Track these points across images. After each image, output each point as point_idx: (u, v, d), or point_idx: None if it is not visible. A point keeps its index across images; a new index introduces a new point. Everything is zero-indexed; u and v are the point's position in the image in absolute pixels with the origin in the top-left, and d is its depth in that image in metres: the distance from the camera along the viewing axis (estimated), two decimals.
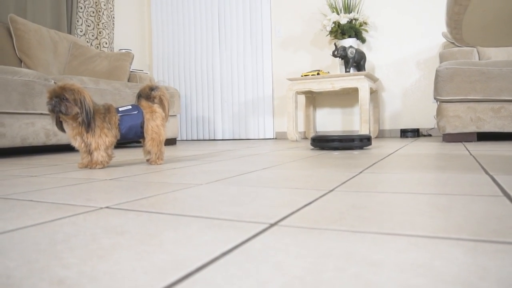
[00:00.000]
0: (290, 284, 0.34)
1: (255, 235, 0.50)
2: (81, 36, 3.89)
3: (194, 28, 4.49)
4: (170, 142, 3.48)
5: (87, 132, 1.39)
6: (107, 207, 0.70)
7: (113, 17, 4.15)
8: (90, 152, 1.45)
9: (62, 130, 1.44)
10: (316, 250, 0.43)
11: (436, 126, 3.44)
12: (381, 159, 1.47)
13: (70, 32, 3.79)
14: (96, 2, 3.99)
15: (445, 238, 0.46)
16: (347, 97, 3.93)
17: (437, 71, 2.61)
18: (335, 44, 3.44)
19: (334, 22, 3.55)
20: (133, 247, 0.46)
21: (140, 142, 1.63)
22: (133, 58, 3.50)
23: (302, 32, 4.06)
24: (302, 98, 4.04)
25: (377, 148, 2.10)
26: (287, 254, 0.42)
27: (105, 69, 3.35)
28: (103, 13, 4.00)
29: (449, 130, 2.60)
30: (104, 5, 4.02)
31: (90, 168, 1.43)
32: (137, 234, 0.52)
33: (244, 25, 4.25)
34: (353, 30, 3.52)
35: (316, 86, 3.38)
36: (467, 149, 1.86)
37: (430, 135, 3.59)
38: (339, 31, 3.53)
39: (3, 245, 0.48)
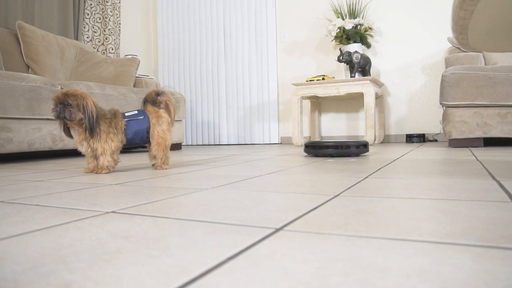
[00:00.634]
0: None
1: (261, 240, 0.50)
2: (88, 42, 3.93)
3: (199, 33, 4.52)
4: (176, 147, 3.49)
5: (91, 137, 1.40)
6: (113, 212, 0.70)
7: (119, 24, 4.19)
8: (96, 157, 1.46)
9: (70, 136, 1.46)
10: (322, 255, 0.43)
11: (442, 131, 3.42)
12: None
13: (77, 38, 3.82)
14: (102, 9, 4.03)
15: (452, 243, 0.46)
16: (352, 102, 3.92)
17: (443, 76, 2.60)
18: (340, 49, 3.45)
19: (339, 28, 3.55)
20: (139, 251, 0.46)
21: (145, 147, 1.63)
22: (139, 64, 3.52)
23: (307, 37, 4.07)
24: (307, 103, 4.04)
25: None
26: (293, 259, 0.42)
27: (111, 74, 3.37)
28: (109, 20, 4.04)
29: (455, 135, 2.58)
30: (111, 11, 4.05)
31: (96, 173, 1.44)
32: (142, 238, 0.52)
33: (249, 30, 4.26)
34: (358, 35, 3.52)
35: (321, 91, 3.38)
36: (473, 155, 1.84)
37: (436, 140, 3.57)
38: (344, 36, 3.54)
39: (10, 249, 0.48)
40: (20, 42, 3.04)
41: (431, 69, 3.61)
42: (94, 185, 1.11)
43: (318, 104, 4.00)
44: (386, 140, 3.77)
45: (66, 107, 1.35)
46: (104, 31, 4.04)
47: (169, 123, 1.58)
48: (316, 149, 1.96)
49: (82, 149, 1.44)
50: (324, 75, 3.46)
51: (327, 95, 3.39)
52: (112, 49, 4.06)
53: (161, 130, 1.54)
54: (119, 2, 4.18)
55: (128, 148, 1.58)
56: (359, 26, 3.57)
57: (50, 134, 2.37)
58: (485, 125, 2.53)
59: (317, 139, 3.91)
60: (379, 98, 3.66)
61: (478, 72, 2.52)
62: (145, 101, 1.61)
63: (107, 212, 0.70)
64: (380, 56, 3.79)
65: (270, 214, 0.64)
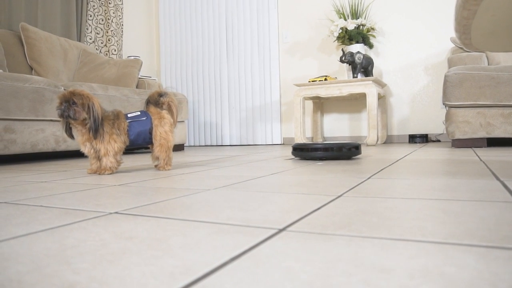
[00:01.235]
0: None
1: (264, 241, 0.50)
2: (91, 43, 3.94)
3: (201, 34, 4.53)
4: (178, 148, 3.49)
5: (95, 138, 1.40)
6: (116, 213, 0.71)
7: (122, 25, 4.20)
8: (99, 158, 1.46)
9: (71, 136, 1.46)
10: (325, 256, 0.43)
11: (445, 132, 3.41)
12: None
13: (79, 39, 3.84)
14: (105, 10, 4.05)
15: (456, 244, 0.46)
16: (355, 102, 3.92)
17: (445, 76, 2.59)
18: (342, 49, 3.45)
19: (342, 28, 3.55)
20: (142, 252, 0.46)
21: (148, 148, 1.64)
22: (141, 65, 3.53)
23: (309, 38, 4.07)
24: (309, 104, 4.04)
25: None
26: (296, 260, 0.42)
27: (114, 75, 3.38)
28: (112, 21, 4.05)
29: (458, 135, 2.58)
30: (113, 13, 4.07)
31: (99, 174, 1.44)
32: (146, 239, 0.52)
33: (251, 31, 4.27)
34: (360, 35, 3.52)
35: (324, 91, 3.38)
36: (477, 155, 1.84)
37: (439, 141, 3.56)
38: (347, 36, 3.54)
39: (14, 250, 0.49)
40: (24, 43, 3.05)
41: (434, 69, 3.60)
42: (97, 186, 1.11)
43: (321, 104, 3.99)
44: (389, 140, 3.77)
45: (71, 106, 1.36)
46: (107, 32, 4.05)
47: (171, 124, 1.58)
48: (304, 151, 1.82)
49: (85, 150, 1.45)
50: (326, 76, 3.46)
51: (329, 96, 3.38)
52: (115, 51, 4.08)
53: (164, 131, 1.55)
54: (122, 4, 4.19)
55: (131, 149, 1.58)
56: (361, 27, 3.56)
57: (53, 135, 2.37)
58: (488, 125, 2.52)
59: (319, 139, 3.91)
60: (381, 98, 3.65)
61: (481, 72, 2.51)
62: (148, 102, 1.61)
63: (111, 213, 0.70)
64: (383, 57, 3.78)
65: (273, 215, 0.65)
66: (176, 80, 4.69)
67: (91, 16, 3.94)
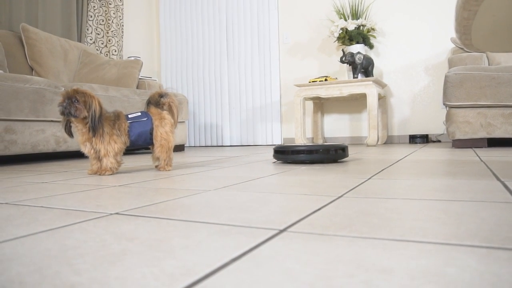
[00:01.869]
0: None
1: (265, 241, 0.50)
2: (91, 44, 3.94)
3: (202, 34, 4.53)
4: (179, 148, 3.49)
5: (93, 136, 1.40)
6: (116, 213, 0.71)
7: (122, 25, 4.20)
8: (99, 159, 1.46)
9: (70, 134, 1.46)
10: (326, 257, 0.43)
11: (445, 132, 3.41)
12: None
13: (80, 40, 3.84)
14: (105, 11, 4.05)
15: (457, 245, 0.46)
16: (355, 103, 3.92)
17: (446, 76, 2.59)
18: (342, 50, 3.45)
19: (342, 29, 3.55)
20: (143, 253, 0.46)
21: (149, 148, 1.64)
22: (141, 66, 3.53)
23: (310, 39, 4.07)
24: (310, 104, 4.04)
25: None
26: (297, 261, 0.42)
27: (114, 76, 3.38)
28: (112, 22, 4.05)
29: (459, 136, 2.58)
30: (114, 13, 4.07)
31: (100, 175, 1.44)
32: (147, 240, 0.52)
33: (251, 31, 4.27)
34: (360, 36, 3.52)
35: (324, 92, 3.38)
36: (477, 155, 1.84)
37: (439, 141, 3.56)
38: (347, 37, 3.54)
39: (15, 251, 0.49)
40: (24, 44, 3.05)
41: (434, 70, 3.60)
42: (98, 186, 1.11)
43: (321, 105, 3.99)
44: (389, 141, 3.76)
45: (72, 103, 1.36)
46: (107, 33, 4.05)
47: (172, 125, 1.59)
48: (285, 154, 1.68)
49: (85, 150, 1.45)
50: (326, 76, 3.46)
51: (329, 96, 3.38)
52: (115, 51, 4.08)
53: (164, 132, 1.55)
54: (122, 4, 4.19)
55: (131, 149, 1.58)
56: (361, 27, 3.56)
57: (53, 135, 2.37)
58: (489, 125, 2.52)
59: (319, 140, 3.91)
60: (382, 99, 3.65)
61: (481, 73, 2.51)
62: (149, 102, 1.61)
63: (111, 214, 0.70)
64: (383, 57, 3.78)
65: (273, 216, 0.65)
66: (177, 81, 4.69)
67: (91, 16, 3.95)
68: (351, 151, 2.54)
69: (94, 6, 3.97)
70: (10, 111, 2.11)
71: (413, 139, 3.52)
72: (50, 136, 2.36)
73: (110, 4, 4.05)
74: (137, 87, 3.53)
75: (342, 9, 3.75)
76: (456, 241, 0.47)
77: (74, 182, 1.23)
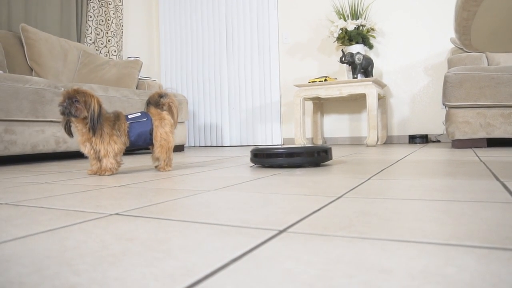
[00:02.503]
0: None
1: (264, 242, 0.50)
2: (91, 44, 3.94)
3: (201, 35, 4.53)
4: (178, 148, 3.49)
5: (93, 135, 1.40)
6: (116, 214, 0.71)
7: (122, 26, 4.20)
8: (99, 159, 1.46)
9: (70, 133, 1.46)
10: (326, 257, 0.43)
11: (445, 132, 3.41)
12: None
13: (79, 40, 3.84)
14: (105, 11, 4.05)
15: (457, 245, 0.46)
16: (355, 103, 3.92)
17: (445, 76, 2.59)
18: (342, 50, 3.45)
19: (342, 29, 3.55)
20: (143, 253, 0.46)
21: (148, 149, 1.64)
22: (141, 66, 3.53)
23: (309, 39, 4.07)
24: (309, 104, 4.04)
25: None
26: (297, 261, 0.42)
27: (114, 76, 3.38)
28: (112, 22, 4.05)
29: (458, 136, 2.58)
30: (113, 14, 4.07)
31: (99, 175, 1.44)
32: (146, 240, 0.52)
33: (251, 31, 4.27)
34: (360, 36, 3.52)
35: (324, 92, 3.38)
36: (477, 155, 1.84)
37: (439, 141, 3.56)
38: (347, 37, 3.54)
39: (15, 251, 0.49)
40: (24, 44, 3.05)
41: (434, 70, 3.60)
42: (98, 187, 1.11)
43: (321, 105, 4.00)
44: (389, 141, 3.77)
45: (73, 103, 1.36)
46: (107, 33, 4.05)
47: (172, 125, 1.59)
48: (262, 158, 1.54)
49: (85, 150, 1.45)
50: (326, 76, 3.46)
51: (329, 96, 3.39)
52: (115, 51, 4.08)
53: (164, 132, 1.55)
54: (122, 5, 4.19)
55: (131, 150, 1.58)
56: (361, 27, 3.56)
57: (53, 136, 2.37)
58: (488, 125, 2.52)
59: (319, 140, 3.91)
60: (381, 99, 3.66)
61: (481, 73, 2.51)
62: (148, 103, 1.61)
63: (111, 214, 0.70)
64: (383, 57, 3.78)
65: (273, 216, 0.65)
66: (176, 81, 4.69)
67: (91, 17, 3.95)
68: (349, 151, 2.54)
69: (94, 7, 3.96)
70: (10, 112, 2.11)
71: (413, 139, 3.52)
72: (50, 137, 2.35)
73: (109, 4, 4.05)
74: (137, 88, 3.53)
75: (342, 9, 3.75)
76: (456, 241, 0.47)
77: (74, 183, 1.23)
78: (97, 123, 1.38)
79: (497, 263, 0.39)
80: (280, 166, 1.53)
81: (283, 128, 4.21)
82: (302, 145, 1.52)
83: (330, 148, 1.58)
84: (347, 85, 3.29)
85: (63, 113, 1.37)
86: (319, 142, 3.91)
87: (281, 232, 0.54)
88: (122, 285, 0.36)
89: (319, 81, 3.42)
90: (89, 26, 3.94)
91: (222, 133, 4.45)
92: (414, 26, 3.65)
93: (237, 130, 4.37)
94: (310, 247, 0.47)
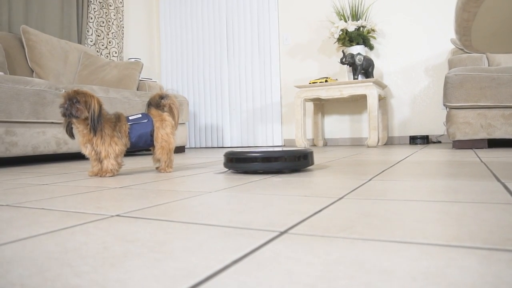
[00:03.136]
0: None
1: (266, 243, 0.50)
2: (91, 45, 3.95)
3: (202, 36, 4.53)
4: (179, 150, 3.49)
5: (94, 135, 1.41)
6: (117, 215, 0.71)
7: (123, 27, 4.21)
8: (100, 160, 1.46)
9: (71, 135, 1.46)
10: (327, 258, 0.43)
11: (445, 133, 3.41)
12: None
13: (80, 42, 3.84)
14: (106, 13, 4.05)
15: (458, 246, 0.46)
16: (356, 104, 3.92)
17: (446, 77, 2.59)
18: (343, 51, 3.45)
19: (342, 30, 3.55)
20: (144, 255, 0.46)
21: (149, 150, 1.64)
22: (142, 67, 3.53)
23: (310, 40, 4.07)
24: (310, 105, 4.04)
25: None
26: (298, 262, 0.42)
27: (114, 78, 3.39)
28: (112, 23, 4.06)
29: (459, 136, 2.58)
30: (114, 15, 4.07)
31: (100, 176, 1.45)
32: (147, 242, 0.52)
33: (252, 33, 4.27)
34: (361, 37, 3.52)
35: (325, 93, 3.38)
36: (477, 156, 1.84)
37: (439, 142, 3.56)
38: (347, 38, 3.54)
39: (16, 253, 0.49)
40: (25, 46, 3.06)
41: (435, 71, 3.60)
42: (99, 188, 1.11)
43: (321, 106, 4.00)
44: (390, 142, 3.76)
45: (73, 104, 1.36)
46: (108, 34, 4.06)
47: (173, 126, 1.59)
48: (235, 163, 1.39)
49: (86, 151, 1.45)
50: (327, 77, 3.46)
51: (330, 97, 3.39)
52: (116, 53, 4.08)
53: (165, 134, 1.55)
54: (122, 6, 4.20)
55: (132, 151, 1.58)
56: (361, 28, 3.57)
57: (54, 137, 2.38)
58: (489, 126, 2.52)
59: (320, 141, 3.91)
60: (382, 100, 3.65)
61: (481, 73, 2.51)
62: (149, 104, 1.61)
63: (112, 216, 0.70)
64: (383, 58, 3.78)
65: (274, 217, 0.65)
66: (177, 82, 4.69)
67: (92, 18, 3.95)
68: (350, 152, 2.54)
69: (95, 8, 3.97)
70: (11, 113, 2.11)
71: (414, 140, 3.52)
72: (51, 138, 2.36)
73: (110, 6, 4.06)
74: (138, 89, 3.53)
75: (342, 10, 3.75)
76: (457, 242, 0.47)
77: (75, 184, 1.23)
78: (97, 122, 1.39)
79: (499, 265, 0.39)
80: (255, 172, 1.39)
81: (284, 129, 4.21)
82: (280, 150, 1.38)
83: (310, 152, 1.43)
84: (348, 86, 3.29)
85: (64, 115, 1.37)
86: (320, 143, 3.91)
87: (282, 233, 0.54)
88: (123, 286, 0.36)
89: (320, 82, 3.42)
90: (90, 27, 3.94)
91: (223, 134, 4.45)
92: (414, 27, 3.65)
93: (238, 131, 4.37)
94: (311, 249, 0.47)
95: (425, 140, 3.49)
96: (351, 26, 3.51)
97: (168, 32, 4.73)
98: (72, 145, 2.48)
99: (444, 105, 2.66)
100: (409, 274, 0.37)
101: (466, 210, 0.65)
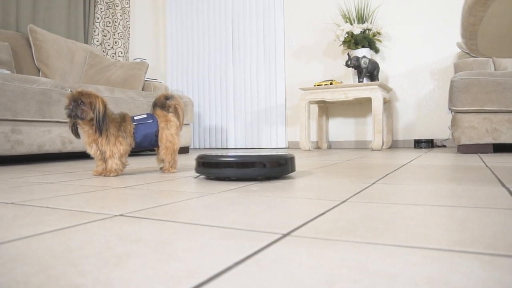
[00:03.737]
0: None
1: (268, 245, 0.50)
2: (97, 45, 3.97)
3: (207, 37, 4.55)
4: (183, 150, 3.50)
5: (99, 135, 1.41)
6: (121, 215, 0.71)
7: (129, 28, 4.23)
8: (105, 160, 1.47)
9: (77, 135, 1.47)
10: (329, 261, 0.43)
11: (450, 137, 3.39)
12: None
13: (86, 42, 3.87)
14: (112, 13, 4.08)
15: (461, 251, 0.46)
16: (360, 107, 3.91)
17: (452, 81, 2.58)
18: (348, 54, 3.44)
19: (348, 32, 3.55)
20: (147, 255, 0.47)
21: (154, 150, 1.64)
22: (147, 68, 3.55)
23: (315, 42, 4.07)
24: (315, 108, 4.04)
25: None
26: (300, 265, 0.42)
27: (120, 78, 3.40)
28: (119, 24, 4.08)
29: (464, 141, 2.56)
30: (120, 15, 4.10)
31: (105, 176, 1.45)
32: (151, 242, 0.52)
33: (257, 34, 4.28)
34: (366, 40, 3.52)
35: (329, 96, 3.38)
36: (482, 161, 1.83)
37: (444, 146, 3.54)
38: (352, 41, 3.53)
39: (20, 251, 0.49)
40: (31, 45, 3.08)
41: (440, 74, 3.59)
42: (103, 188, 1.12)
43: (326, 109, 3.99)
44: (394, 145, 3.75)
45: (78, 106, 1.37)
46: (114, 35, 4.08)
47: (177, 127, 1.59)
48: (208, 168, 1.26)
49: (91, 151, 1.46)
50: (332, 80, 3.46)
51: (335, 100, 3.38)
52: (121, 53, 4.10)
53: (170, 134, 1.55)
54: (129, 7, 4.22)
55: (137, 151, 1.59)
56: (367, 31, 3.56)
57: (59, 136, 2.39)
58: (495, 131, 2.51)
59: (324, 144, 3.90)
60: (387, 103, 3.64)
61: (487, 78, 2.50)
62: (154, 104, 1.62)
63: (116, 215, 0.71)
64: (389, 61, 3.78)
65: (277, 219, 0.65)
66: (182, 83, 4.71)
67: (98, 18, 3.98)
68: (354, 155, 2.53)
69: (101, 8, 3.99)
70: (17, 112, 2.13)
71: (418, 143, 3.51)
72: (56, 137, 2.37)
73: (117, 6, 4.08)
74: (143, 89, 3.54)
75: (348, 13, 3.75)
76: (460, 247, 0.47)
77: (79, 183, 1.24)
78: (102, 123, 1.39)
79: (501, 270, 0.39)
80: (229, 179, 1.27)
81: (288, 131, 4.21)
82: (258, 154, 1.26)
83: (291, 158, 1.29)
84: (353, 89, 3.29)
85: (69, 116, 1.38)
86: (324, 146, 3.90)
87: (285, 235, 0.54)
88: (126, 286, 0.37)
89: (325, 85, 3.41)
90: (96, 27, 3.97)
91: (227, 135, 4.45)
92: (420, 30, 3.64)
93: (242, 132, 4.38)
94: (314, 251, 0.47)
95: (429, 144, 3.48)
96: (357, 29, 3.50)
97: (173, 33, 4.75)
98: (77, 144, 2.49)
99: (449, 109, 2.65)
100: (411, 279, 0.37)
101: (469, 215, 0.65)
